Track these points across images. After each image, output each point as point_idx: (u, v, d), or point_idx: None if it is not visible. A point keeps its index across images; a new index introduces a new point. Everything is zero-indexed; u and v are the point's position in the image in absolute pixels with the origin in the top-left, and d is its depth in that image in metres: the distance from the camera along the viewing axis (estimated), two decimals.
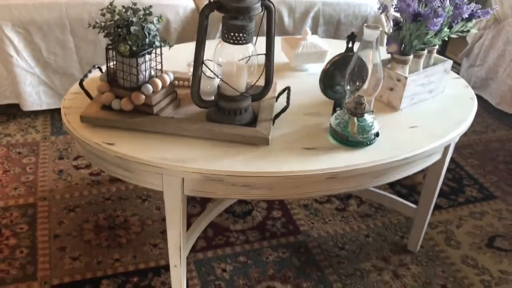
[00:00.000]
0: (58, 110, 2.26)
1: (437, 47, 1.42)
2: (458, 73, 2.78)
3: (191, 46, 1.50)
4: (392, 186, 1.96)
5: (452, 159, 2.15)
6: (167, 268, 1.51)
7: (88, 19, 2.07)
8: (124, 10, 1.16)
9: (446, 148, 1.38)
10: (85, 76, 1.26)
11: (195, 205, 1.78)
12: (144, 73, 1.19)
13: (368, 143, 1.19)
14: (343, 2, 2.41)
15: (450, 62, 1.44)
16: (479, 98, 2.58)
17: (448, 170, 2.08)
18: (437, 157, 1.36)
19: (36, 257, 1.52)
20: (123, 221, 1.69)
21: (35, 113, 2.24)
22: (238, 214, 1.76)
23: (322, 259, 1.61)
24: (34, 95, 2.15)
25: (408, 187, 1.96)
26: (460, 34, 1.38)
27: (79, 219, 1.68)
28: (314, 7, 2.36)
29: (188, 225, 1.49)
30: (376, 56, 1.14)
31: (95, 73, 1.33)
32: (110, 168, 1.19)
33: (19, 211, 1.69)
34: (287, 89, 1.26)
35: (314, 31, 2.41)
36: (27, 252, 1.54)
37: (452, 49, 3.24)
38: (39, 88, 2.15)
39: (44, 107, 2.19)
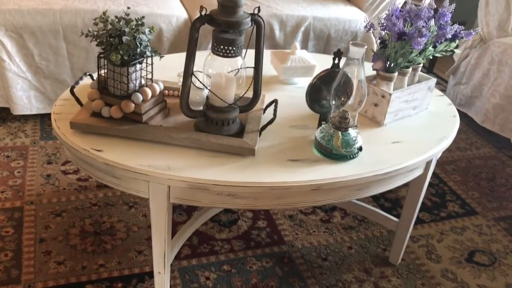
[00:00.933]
0: (48, 115, 2.27)
1: (421, 65, 1.46)
2: (445, 90, 2.84)
3: (182, 56, 1.53)
4: (376, 200, 1.99)
5: (435, 175, 2.19)
6: (151, 274, 1.52)
7: (81, 26, 2.09)
8: (116, 20, 1.18)
9: (428, 164, 1.41)
10: (77, 83, 1.28)
11: (181, 213, 1.80)
12: (134, 82, 1.21)
13: (352, 156, 1.22)
14: (333, 18, 2.45)
15: (434, 80, 1.48)
16: (465, 115, 2.64)
17: (431, 185, 2.12)
18: (419, 172, 1.39)
19: (20, 260, 1.53)
20: (109, 227, 1.70)
21: (25, 117, 2.25)
22: (224, 223, 1.78)
23: (305, 269, 1.63)
24: (25, 100, 2.16)
25: (392, 201, 2.00)
26: (444, 53, 1.42)
27: (65, 224, 1.69)
28: (305, 21, 2.40)
29: (174, 233, 1.51)
30: (361, 72, 1.18)
31: (86, 80, 1.35)
32: (98, 174, 1.21)
33: (6, 215, 1.69)
34: (275, 101, 1.29)
35: (305, 45, 2.46)
36: (12, 255, 1.54)
37: (440, 67, 3.30)
38: (30, 92, 2.16)
39: (34, 112, 2.20)
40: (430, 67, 3.30)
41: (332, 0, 2.61)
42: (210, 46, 2.27)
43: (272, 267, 1.62)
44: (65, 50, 2.13)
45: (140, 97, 1.20)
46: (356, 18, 2.50)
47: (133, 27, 1.18)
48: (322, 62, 1.59)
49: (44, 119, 2.26)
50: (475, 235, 1.87)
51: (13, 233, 1.62)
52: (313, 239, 1.76)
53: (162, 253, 1.28)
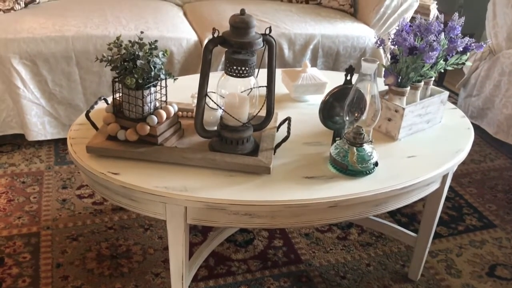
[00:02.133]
0: (62, 140, 2.30)
1: (433, 78, 1.46)
2: (455, 103, 2.83)
3: (194, 78, 1.55)
4: (392, 215, 1.98)
5: (451, 188, 2.17)
6: None
7: (93, 52, 2.13)
8: (130, 44, 1.20)
9: (445, 177, 1.40)
10: (92, 107, 1.30)
11: (197, 234, 1.79)
12: (149, 104, 1.22)
13: (368, 172, 1.22)
14: (341, 35, 2.47)
15: (446, 93, 1.48)
16: (477, 127, 2.62)
17: (447, 199, 2.10)
18: (435, 186, 1.38)
19: (38, 286, 1.53)
20: (125, 250, 1.70)
21: (40, 143, 2.27)
22: (240, 243, 1.77)
23: None
24: (39, 126, 2.18)
25: (408, 216, 1.98)
26: (455, 66, 1.42)
27: (82, 248, 1.69)
28: (314, 39, 2.42)
29: (190, 254, 1.51)
30: (374, 88, 1.18)
31: (101, 105, 1.37)
32: (115, 197, 1.21)
33: (22, 240, 1.70)
34: (288, 119, 1.30)
35: (314, 63, 2.47)
36: (30, 281, 1.54)
37: (450, 80, 3.30)
38: (44, 118, 2.19)
39: (49, 137, 2.23)
40: (440, 81, 3.29)
41: (340, 18, 2.63)
42: (220, 67, 2.30)
43: (290, 287, 1.60)
44: (77, 75, 2.17)
45: (155, 119, 1.21)
46: (364, 34, 2.51)
47: (147, 51, 1.20)
48: (332, 79, 1.60)
49: (58, 144, 2.28)
50: (495, 249, 1.84)
51: (30, 258, 1.63)
52: (331, 257, 1.74)
53: (180, 275, 1.27)
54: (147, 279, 1.59)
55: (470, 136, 1.45)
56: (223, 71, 1.21)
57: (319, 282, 1.63)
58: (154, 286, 1.56)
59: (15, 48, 2.04)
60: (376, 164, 1.23)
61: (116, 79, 1.21)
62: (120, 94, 1.23)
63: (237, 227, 1.78)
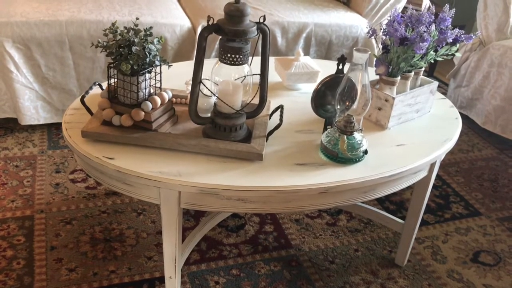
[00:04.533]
0: (55, 125, 2.31)
1: (423, 69, 1.49)
2: (445, 93, 2.86)
3: (188, 65, 1.57)
4: (381, 202, 2.02)
5: (439, 177, 2.22)
6: (161, 280, 1.54)
7: (87, 37, 2.13)
8: (126, 30, 1.22)
9: (432, 166, 1.44)
10: (86, 92, 1.31)
11: (189, 219, 1.82)
12: (144, 90, 1.24)
13: (357, 160, 1.25)
14: (334, 24, 2.49)
15: (436, 84, 1.51)
16: (466, 117, 2.66)
17: (435, 187, 2.14)
18: (423, 174, 1.42)
19: (33, 268, 1.55)
20: (118, 234, 1.72)
21: (33, 127, 2.28)
22: (231, 228, 1.80)
23: (313, 272, 1.65)
24: (32, 110, 2.19)
25: (396, 204, 2.02)
26: (445, 57, 1.45)
27: (76, 231, 1.71)
28: (307, 28, 2.44)
29: (183, 239, 1.54)
30: (365, 77, 1.21)
31: (95, 90, 1.38)
32: (109, 181, 1.23)
33: (17, 223, 1.72)
34: (281, 107, 1.32)
35: (306, 52, 2.49)
36: (24, 263, 1.57)
37: (440, 70, 3.33)
38: (37, 103, 2.20)
39: (42, 122, 2.23)
40: (431, 71, 3.33)
41: (333, 7, 2.65)
42: (214, 54, 2.31)
43: (280, 271, 1.64)
44: (71, 60, 2.17)
45: (150, 105, 1.22)
46: (356, 24, 2.53)
47: (142, 37, 1.21)
48: (325, 68, 1.62)
49: (51, 128, 2.29)
50: (480, 236, 1.89)
51: (25, 241, 1.65)
52: (320, 243, 1.78)
53: (173, 258, 1.30)
54: (140, 262, 1.62)
55: (458, 126, 1.48)
56: (217, 59, 1.22)
57: (309, 267, 1.67)
58: (147, 269, 1.59)
59: (8, 32, 2.04)
60: (365, 152, 1.26)
61: (112, 65, 1.23)
62: (115, 80, 1.25)
63: (229, 212, 1.81)
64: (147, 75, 1.23)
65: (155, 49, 1.22)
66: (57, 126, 2.30)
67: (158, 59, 1.23)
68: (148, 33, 1.23)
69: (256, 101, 1.29)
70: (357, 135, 1.25)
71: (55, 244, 1.65)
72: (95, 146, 1.21)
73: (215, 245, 1.72)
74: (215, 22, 1.16)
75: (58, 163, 2.06)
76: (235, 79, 1.24)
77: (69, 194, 1.89)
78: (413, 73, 1.45)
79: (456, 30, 1.38)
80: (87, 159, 1.20)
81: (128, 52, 1.19)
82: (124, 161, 1.17)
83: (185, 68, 1.56)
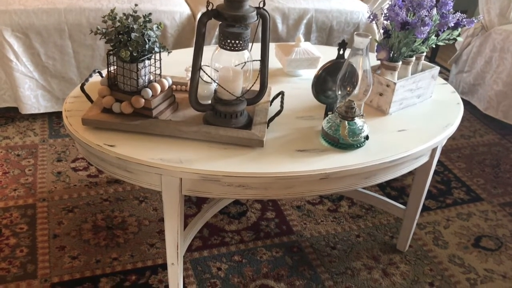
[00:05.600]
0: (55, 114, 2.30)
1: (424, 54, 1.48)
2: (447, 79, 2.85)
3: (187, 52, 1.56)
4: (382, 189, 2.02)
5: (440, 162, 2.21)
6: (164, 266, 1.55)
7: (86, 25, 2.12)
8: (125, 17, 1.21)
9: (434, 151, 1.43)
10: (86, 80, 1.31)
11: (191, 206, 1.83)
12: (143, 77, 1.24)
13: (358, 145, 1.24)
14: (335, 10, 2.47)
15: (437, 69, 1.50)
16: (468, 103, 2.65)
17: (436, 173, 2.14)
18: (424, 159, 1.42)
19: (36, 256, 1.56)
20: (120, 222, 1.73)
21: (33, 116, 2.28)
22: (233, 215, 1.81)
23: (314, 258, 1.66)
24: (33, 99, 2.19)
25: (398, 190, 2.02)
26: (446, 42, 1.44)
27: (78, 219, 1.72)
28: (307, 14, 2.42)
29: (185, 226, 1.54)
30: (366, 62, 1.20)
31: (95, 78, 1.38)
32: (111, 169, 1.23)
33: (19, 212, 1.73)
34: (281, 93, 1.32)
35: (307, 38, 2.47)
36: (27, 251, 1.58)
37: (442, 56, 3.31)
38: (37, 92, 2.19)
39: (42, 111, 2.23)
40: (432, 57, 3.31)
41: None
42: (214, 40, 2.30)
43: (282, 257, 1.65)
44: (70, 48, 2.16)
45: (150, 92, 1.22)
46: (357, 9, 2.51)
47: (141, 23, 1.20)
48: (326, 54, 1.61)
49: (51, 117, 2.29)
50: (481, 221, 1.90)
51: (27, 229, 1.66)
52: (321, 229, 1.79)
53: (175, 245, 1.31)
54: (143, 249, 1.63)
55: (459, 111, 1.47)
56: (217, 45, 1.22)
57: (310, 252, 1.68)
58: (149, 256, 1.60)
59: (7, 20, 2.03)
60: (367, 137, 1.26)
61: (111, 52, 1.22)
62: (115, 67, 1.24)
63: (230, 199, 1.81)
64: (147, 62, 1.23)
65: (154, 36, 1.21)
66: (57, 115, 2.30)
67: (158, 45, 1.22)
68: (147, 19, 1.22)
69: (256, 87, 1.29)
70: (358, 121, 1.25)
71: (57, 232, 1.66)
72: (95, 133, 1.21)
73: (217, 232, 1.73)
74: (214, 7, 1.15)
75: (59, 151, 2.06)
76: (235, 66, 1.23)
77: (71, 183, 1.89)
78: (414, 58, 1.44)
79: (458, 14, 1.37)
80: (88, 146, 1.20)
81: (127, 38, 1.18)
82: (125, 148, 1.16)
83: (185, 55, 1.55)
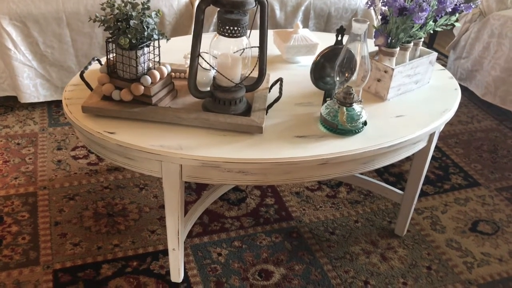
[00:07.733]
0: (55, 102, 2.31)
1: (422, 39, 1.48)
2: (445, 65, 2.85)
3: (186, 39, 1.56)
4: (380, 174, 2.03)
5: (438, 148, 2.23)
6: (165, 252, 1.57)
7: (84, 13, 2.11)
8: (123, 4, 1.21)
9: (431, 136, 1.45)
10: (85, 68, 1.31)
11: (191, 193, 1.84)
12: (143, 65, 1.24)
13: (357, 131, 1.25)
14: None
15: (435, 54, 1.51)
16: (465, 89, 2.66)
17: (434, 158, 2.16)
18: (422, 144, 1.43)
19: (38, 243, 1.58)
20: (121, 209, 1.74)
21: (33, 105, 2.28)
22: (233, 201, 1.82)
23: (313, 243, 1.68)
24: (32, 88, 2.19)
25: (396, 175, 2.04)
26: (444, 27, 1.45)
27: (79, 207, 1.74)
28: (305, 1, 2.42)
29: (185, 212, 1.56)
30: (364, 48, 1.21)
31: (94, 66, 1.38)
32: (111, 156, 1.24)
33: (20, 200, 1.74)
34: (280, 80, 1.32)
35: (305, 24, 2.47)
36: (29, 238, 1.59)
37: (440, 42, 3.31)
38: (36, 80, 2.19)
39: (41, 99, 2.23)
40: (431, 43, 3.31)
41: None
42: (212, 28, 2.30)
43: (281, 242, 1.67)
44: (69, 37, 2.16)
45: (149, 79, 1.23)
46: None
47: (140, 10, 1.21)
48: (324, 40, 1.61)
49: (51, 106, 2.29)
50: (478, 206, 1.92)
51: (29, 217, 1.67)
52: (320, 214, 1.80)
53: (176, 230, 1.32)
54: (144, 235, 1.64)
55: (457, 97, 1.48)
56: (215, 32, 1.22)
57: (309, 238, 1.70)
58: (150, 242, 1.62)
59: (5, 9, 2.02)
60: (365, 123, 1.27)
61: (110, 39, 1.22)
62: (114, 55, 1.25)
63: (230, 185, 1.83)
64: (146, 49, 1.23)
65: (153, 23, 1.21)
66: (57, 103, 2.30)
67: (156, 32, 1.23)
68: (145, 6, 1.22)
69: (255, 74, 1.29)
70: (357, 107, 1.26)
71: (59, 220, 1.67)
72: (95, 121, 1.22)
73: (217, 218, 1.75)
74: None
75: (59, 140, 2.07)
76: (234, 52, 1.24)
77: (71, 171, 1.90)
78: (412, 44, 1.44)
79: None
80: (88, 134, 1.21)
81: (126, 26, 1.19)
82: (125, 135, 1.17)
83: (184, 42, 1.55)
